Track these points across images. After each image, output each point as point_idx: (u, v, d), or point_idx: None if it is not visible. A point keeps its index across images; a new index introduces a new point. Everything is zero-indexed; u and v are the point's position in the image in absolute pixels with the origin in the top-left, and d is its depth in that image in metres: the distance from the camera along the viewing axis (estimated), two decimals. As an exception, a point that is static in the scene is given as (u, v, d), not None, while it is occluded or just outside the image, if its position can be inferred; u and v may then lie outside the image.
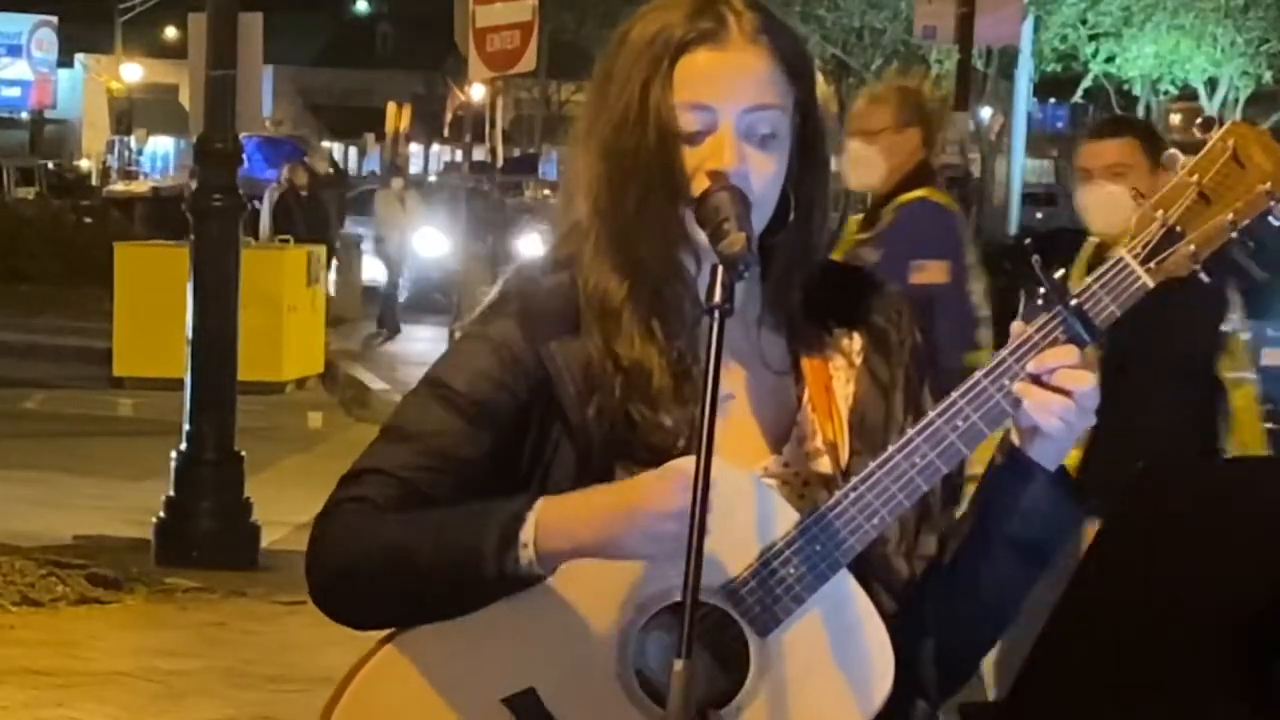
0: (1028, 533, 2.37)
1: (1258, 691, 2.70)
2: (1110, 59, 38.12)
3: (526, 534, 2.30)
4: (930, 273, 6.15)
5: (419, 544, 2.35)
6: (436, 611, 2.36)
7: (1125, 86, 40.37)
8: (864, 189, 6.49)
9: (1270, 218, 2.29)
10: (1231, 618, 2.68)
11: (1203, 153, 2.31)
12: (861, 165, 6.37)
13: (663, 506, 2.23)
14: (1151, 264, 2.29)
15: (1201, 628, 2.67)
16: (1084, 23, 37.36)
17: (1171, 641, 2.67)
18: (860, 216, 6.60)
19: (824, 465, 2.43)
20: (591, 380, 2.40)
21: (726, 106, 2.37)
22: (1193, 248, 2.29)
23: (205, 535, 9.71)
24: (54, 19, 53.53)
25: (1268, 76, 37.81)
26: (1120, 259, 2.29)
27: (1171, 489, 2.69)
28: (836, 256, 6.22)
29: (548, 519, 2.31)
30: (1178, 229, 2.29)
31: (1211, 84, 38.21)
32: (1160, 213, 2.30)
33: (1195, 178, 2.30)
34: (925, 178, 6.38)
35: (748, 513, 2.30)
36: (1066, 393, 2.28)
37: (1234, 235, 2.29)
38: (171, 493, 9.82)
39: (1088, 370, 2.29)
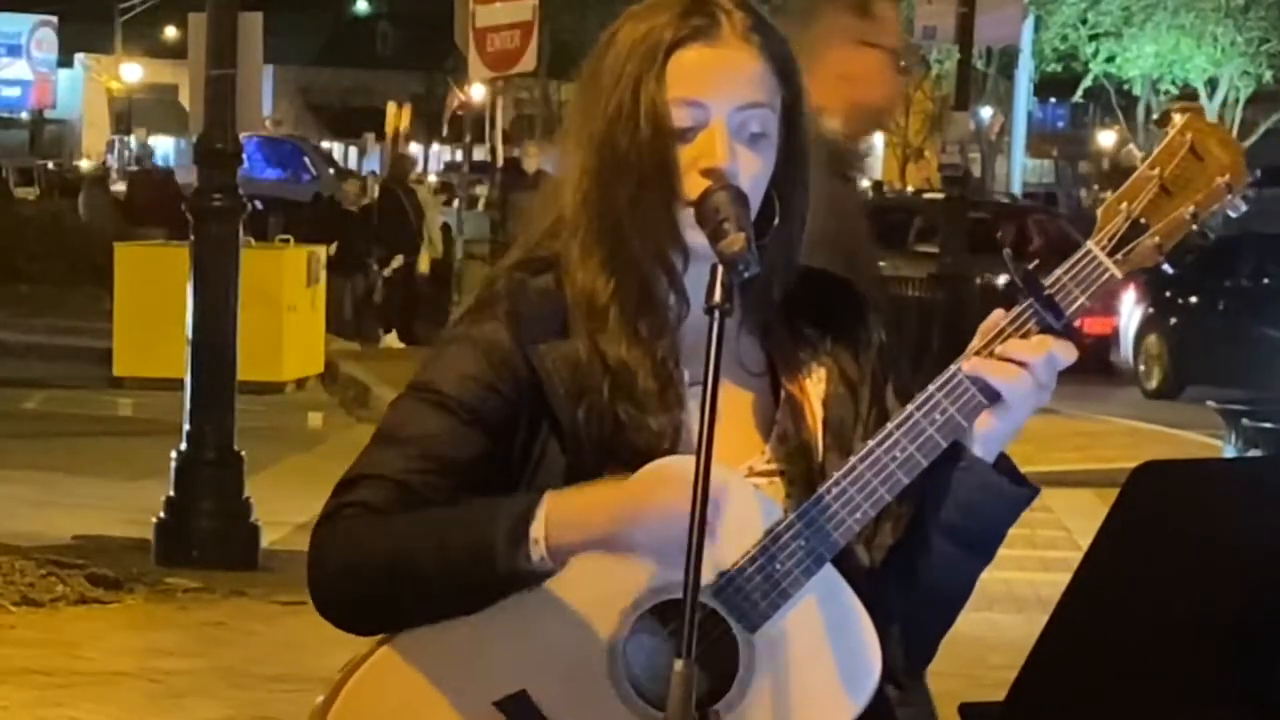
0: (965, 522, 2.39)
1: (1258, 692, 2.70)
2: (1110, 59, 38.11)
3: (537, 529, 2.30)
4: None
5: (422, 546, 2.34)
6: (440, 613, 2.36)
7: (1125, 86, 40.36)
8: None
9: (1229, 210, 2.35)
10: (1232, 618, 2.68)
11: (1162, 146, 2.37)
12: None
13: (666, 506, 2.24)
14: (1119, 255, 2.35)
15: (1202, 627, 2.67)
16: (1084, 22, 37.36)
17: (1171, 641, 2.67)
18: None
19: (803, 463, 2.45)
20: (580, 381, 2.40)
21: (718, 103, 2.38)
22: (1157, 239, 2.35)
23: (205, 535, 9.72)
24: (54, 19, 53.46)
25: (1268, 76, 37.80)
26: (1088, 250, 2.35)
27: (1171, 489, 2.68)
28: None
29: (556, 512, 2.31)
30: (1142, 221, 2.35)
31: (1212, 84, 38.21)
32: (1125, 205, 2.35)
33: (1157, 171, 2.35)
34: None
35: (733, 512, 2.30)
36: (1022, 364, 2.31)
37: (1194, 227, 2.35)
38: (171, 493, 9.82)
39: (1047, 347, 2.32)
